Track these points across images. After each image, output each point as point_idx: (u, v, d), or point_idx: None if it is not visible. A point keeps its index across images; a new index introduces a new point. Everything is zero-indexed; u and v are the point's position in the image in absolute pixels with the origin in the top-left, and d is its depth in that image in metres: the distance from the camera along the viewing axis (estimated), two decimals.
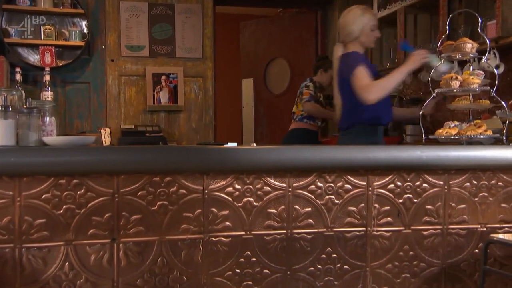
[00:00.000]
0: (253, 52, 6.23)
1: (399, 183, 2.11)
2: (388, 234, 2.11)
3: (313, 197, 2.04)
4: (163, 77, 4.91)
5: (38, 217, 1.82)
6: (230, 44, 6.85)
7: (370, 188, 2.09)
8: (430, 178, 2.14)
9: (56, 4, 4.64)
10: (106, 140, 3.20)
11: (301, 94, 4.27)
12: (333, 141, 4.13)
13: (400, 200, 2.12)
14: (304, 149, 2.02)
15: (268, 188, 2.01)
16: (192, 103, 5.02)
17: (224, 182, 1.97)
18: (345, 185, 2.07)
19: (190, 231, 1.94)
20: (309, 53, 5.76)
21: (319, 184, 2.05)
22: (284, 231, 2.03)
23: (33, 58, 4.64)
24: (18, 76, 3.11)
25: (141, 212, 1.90)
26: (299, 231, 2.04)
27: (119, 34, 4.85)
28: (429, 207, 2.14)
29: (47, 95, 3.22)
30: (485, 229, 2.18)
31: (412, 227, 2.13)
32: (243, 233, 1.99)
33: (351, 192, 2.08)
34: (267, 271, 2.02)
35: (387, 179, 2.10)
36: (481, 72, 2.63)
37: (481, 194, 2.18)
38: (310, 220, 2.04)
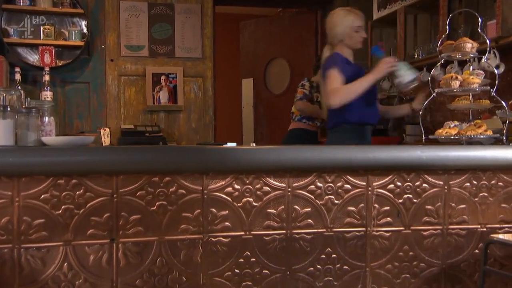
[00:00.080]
0: (253, 52, 6.23)
1: (399, 183, 2.11)
2: (388, 234, 2.11)
3: (312, 197, 2.04)
4: (162, 77, 4.90)
5: (37, 217, 1.81)
6: (230, 44, 6.85)
7: (369, 188, 2.08)
8: (430, 178, 2.13)
9: (55, 4, 4.64)
10: (106, 140, 3.19)
11: (296, 93, 4.27)
12: None
13: (400, 200, 2.11)
14: (304, 149, 2.02)
15: (267, 188, 2.00)
16: (191, 103, 5.02)
17: (223, 182, 1.97)
18: (345, 185, 2.07)
19: (189, 231, 1.94)
20: (309, 53, 5.75)
21: (319, 184, 2.05)
22: (284, 231, 2.02)
23: (32, 58, 4.64)
24: (18, 76, 3.11)
25: (140, 212, 1.90)
26: (299, 231, 2.03)
27: (118, 34, 4.84)
28: (429, 207, 2.14)
29: (47, 95, 3.22)
30: (485, 229, 2.18)
31: (412, 227, 2.13)
32: (243, 233, 1.99)
33: (351, 192, 2.07)
34: (266, 271, 2.01)
35: (387, 179, 2.10)
36: (481, 72, 2.63)
37: (481, 194, 2.17)
38: (309, 220, 2.04)
